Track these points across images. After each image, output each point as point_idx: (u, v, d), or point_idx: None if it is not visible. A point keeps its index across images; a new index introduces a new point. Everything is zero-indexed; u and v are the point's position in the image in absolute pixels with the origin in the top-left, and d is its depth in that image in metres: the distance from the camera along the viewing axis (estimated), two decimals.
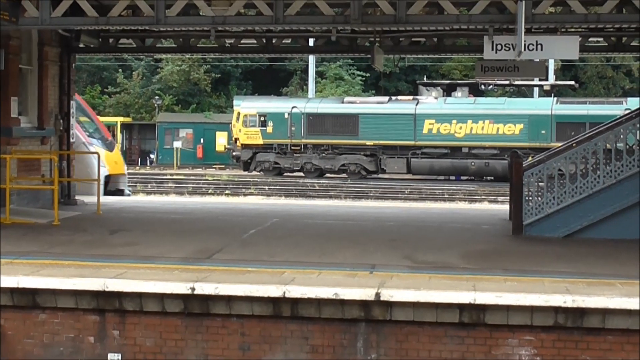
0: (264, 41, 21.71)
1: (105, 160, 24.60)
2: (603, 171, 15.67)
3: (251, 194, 38.52)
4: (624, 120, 16.69)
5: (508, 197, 18.05)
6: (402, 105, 47.61)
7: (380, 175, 48.49)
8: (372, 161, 47.92)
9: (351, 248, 14.28)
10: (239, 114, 50.07)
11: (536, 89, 52.01)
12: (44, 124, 19.77)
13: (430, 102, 47.50)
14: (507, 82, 47.36)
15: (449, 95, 48.40)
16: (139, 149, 66.01)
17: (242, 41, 22.15)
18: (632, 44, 20.47)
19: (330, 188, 41.54)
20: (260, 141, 49.20)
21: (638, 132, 15.92)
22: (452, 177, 48.10)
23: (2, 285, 11.36)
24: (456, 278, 11.68)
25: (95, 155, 21.00)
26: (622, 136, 16.03)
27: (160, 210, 19.56)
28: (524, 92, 55.79)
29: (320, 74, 65.77)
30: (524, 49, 14.42)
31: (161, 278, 11.41)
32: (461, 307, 10.74)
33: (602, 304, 10.48)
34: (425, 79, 57.60)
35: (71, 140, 21.23)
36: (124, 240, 14.79)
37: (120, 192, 26.04)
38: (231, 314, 11.15)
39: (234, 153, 51.05)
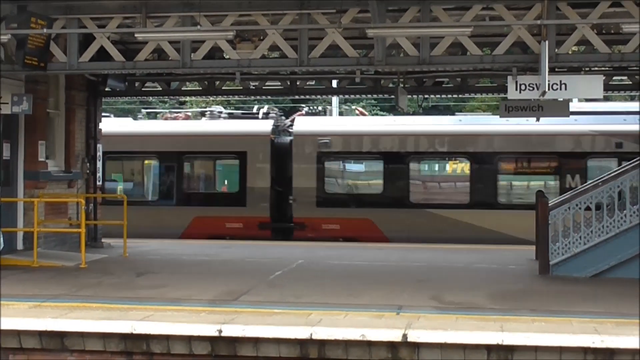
0: (289, 83, 21.89)
1: None
2: (630, 210, 15.60)
3: None
4: None
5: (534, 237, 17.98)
6: None
7: None
8: None
9: (377, 289, 14.25)
10: None
11: None
12: (71, 167, 19.95)
13: None
14: None
15: None
16: None
17: (266, 83, 22.34)
18: None
19: None
20: None
21: None
22: None
23: (31, 328, 11.43)
24: (483, 319, 11.62)
25: None
26: None
27: (185, 253, 19.61)
28: None
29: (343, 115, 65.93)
30: (548, 89, 14.43)
31: (188, 320, 11.43)
32: (489, 348, 10.67)
33: (632, 344, 10.39)
34: None
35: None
36: (150, 283, 14.83)
37: None
38: (258, 356, 11.13)
39: None
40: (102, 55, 16.54)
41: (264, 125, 25.29)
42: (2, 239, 16.32)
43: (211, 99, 37.80)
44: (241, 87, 22.56)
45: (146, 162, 25.79)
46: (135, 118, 27.62)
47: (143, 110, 29.90)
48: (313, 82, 22.91)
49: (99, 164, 21.42)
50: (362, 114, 27.26)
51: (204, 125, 25.99)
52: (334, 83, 23.69)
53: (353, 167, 25.10)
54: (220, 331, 11.07)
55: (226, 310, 12.10)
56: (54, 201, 18.90)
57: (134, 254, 19.26)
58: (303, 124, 25.30)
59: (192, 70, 16.48)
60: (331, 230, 23.93)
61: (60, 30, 15.92)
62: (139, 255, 19.05)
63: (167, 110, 29.66)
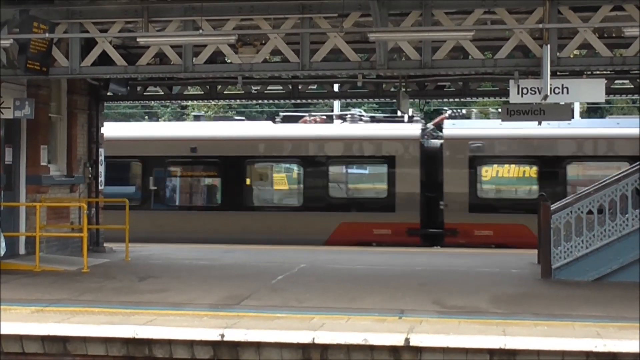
0: (290, 87, 21.90)
1: None
2: (632, 214, 15.60)
3: None
4: None
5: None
6: None
7: None
8: None
9: (380, 293, 14.25)
10: None
11: None
12: (73, 171, 19.96)
13: None
14: None
15: None
16: None
17: (268, 87, 22.35)
18: None
19: None
20: None
21: None
22: None
23: (34, 333, 11.44)
24: (486, 322, 11.63)
25: None
26: None
27: (188, 257, 19.60)
28: None
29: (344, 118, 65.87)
30: (550, 93, 14.43)
31: (191, 324, 11.44)
32: (491, 352, 10.67)
33: (635, 348, 10.39)
34: None
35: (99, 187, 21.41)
36: (153, 287, 14.84)
37: None
38: None
39: None
40: (104, 59, 16.56)
41: (413, 129, 24.74)
42: (4, 243, 16.33)
43: (213, 103, 37.76)
44: (243, 92, 22.56)
45: (290, 166, 25.43)
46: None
47: (281, 113, 29.07)
48: (315, 86, 22.92)
49: (102, 168, 21.42)
50: None
51: (348, 129, 25.44)
52: (336, 87, 23.72)
53: (507, 171, 24.45)
54: (222, 335, 11.07)
55: (228, 315, 12.11)
56: (56, 206, 18.91)
57: (136, 258, 19.26)
58: (454, 127, 24.72)
59: (194, 74, 16.49)
60: (484, 236, 23.45)
61: (62, 35, 15.93)
62: (140, 260, 19.06)
63: (307, 114, 28.98)
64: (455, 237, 23.64)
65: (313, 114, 29.06)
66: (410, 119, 25.57)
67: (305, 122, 26.93)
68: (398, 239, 23.51)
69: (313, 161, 24.71)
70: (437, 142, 24.95)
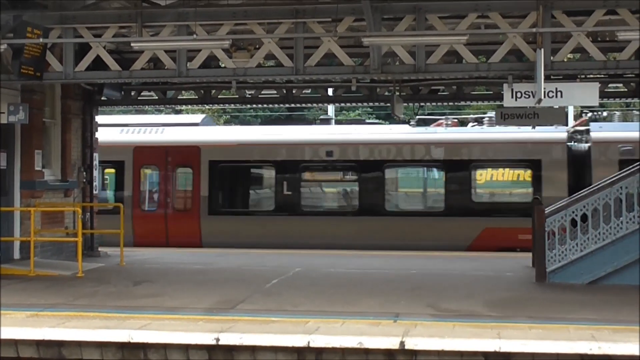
0: (284, 91, 21.90)
1: None
2: (626, 217, 15.63)
3: None
4: None
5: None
6: None
7: None
8: None
9: (374, 297, 14.26)
10: None
11: None
12: (67, 176, 19.93)
13: None
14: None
15: None
16: None
17: (262, 92, 22.35)
18: None
19: None
20: None
21: None
22: None
23: (29, 338, 11.42)
24: (480, 326, 11.64)
25: None
26: None
27: (182, 261, 19.60)
28: None
29: (339, 122, 65.86)
30: (544, 96, 14.46)
31: (186, 329, 11.43)
32: (486, 355, 10.68)
33: (629, 350, 10.41)
34: None
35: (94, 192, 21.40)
36: (148, 292, 14.83)
37: None
38: None
39: None
40: (98, 64, 16.58)
41: (559, 132, 23.93)
42: None
43: (207, 107, 37.74)
44: (237, 96, 22.57)
45: (431, 170, 24.73)
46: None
47: (417, 116, 27.99)
48: (309, 91, 22.92)
49: (96, 173, 21.40)
50: None
51: (491, 132, 24.65)
52: (330, 91, 23.71)
53: None
54: (217, 339, 11.07)
55: (223, 319, 12.11)
56: (51, 210, 18.88)
57: (131, 262, 19.24)
58: (601, 130, 23.85)
59: (188, 79, 16.52)
60: None
61: (56, 40, 15.94)
62: (135, 264, 19.04)
63: (443, 117, 28.15)
64: None
65: (449, 117, 28.35)
66: None
67: (440, 125, 26.24)
68: None
69: (455, 165, 23.93)
70: (583, 145, 24.14)
